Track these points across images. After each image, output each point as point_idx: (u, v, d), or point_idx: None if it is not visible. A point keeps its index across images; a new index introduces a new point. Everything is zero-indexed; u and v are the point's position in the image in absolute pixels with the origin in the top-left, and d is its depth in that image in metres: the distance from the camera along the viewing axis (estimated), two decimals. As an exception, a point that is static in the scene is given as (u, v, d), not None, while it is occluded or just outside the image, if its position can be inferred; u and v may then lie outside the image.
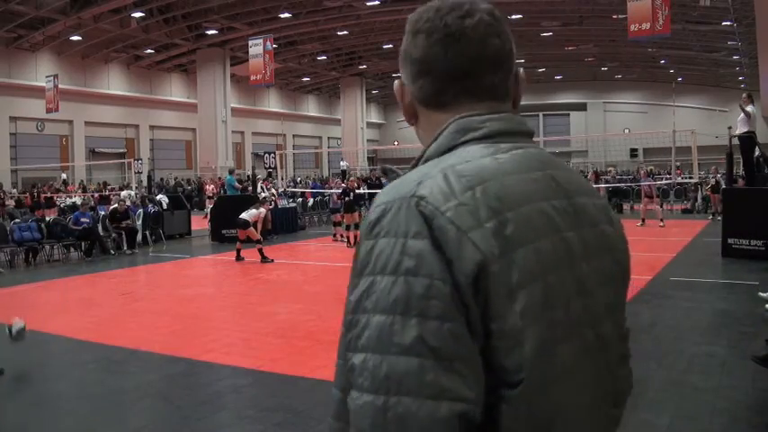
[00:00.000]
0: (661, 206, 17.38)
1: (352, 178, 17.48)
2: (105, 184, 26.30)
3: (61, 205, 20.57)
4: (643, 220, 16.40)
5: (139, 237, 14.29)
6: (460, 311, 0.74)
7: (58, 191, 25.42)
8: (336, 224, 14.94)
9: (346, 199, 13.86)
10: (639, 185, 19.81)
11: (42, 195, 22.42)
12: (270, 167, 21.30)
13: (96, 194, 22.82)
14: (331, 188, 21.21)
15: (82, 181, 29.59)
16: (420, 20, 0.91)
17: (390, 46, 34.79)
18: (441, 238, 0.75)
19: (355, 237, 13.59)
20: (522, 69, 0.97)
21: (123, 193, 18.10)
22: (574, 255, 0.83)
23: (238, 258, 11.63)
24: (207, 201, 25.55)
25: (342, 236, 14.48)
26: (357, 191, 14.88)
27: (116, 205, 14.63)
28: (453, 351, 0.72)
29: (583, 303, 0.84)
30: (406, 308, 0.73)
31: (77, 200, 18.97)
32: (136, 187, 22.37)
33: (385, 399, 0.72)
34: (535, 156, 0.88)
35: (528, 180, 0.83)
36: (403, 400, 0.71)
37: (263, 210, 12.57)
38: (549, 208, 0.83)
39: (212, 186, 26.89)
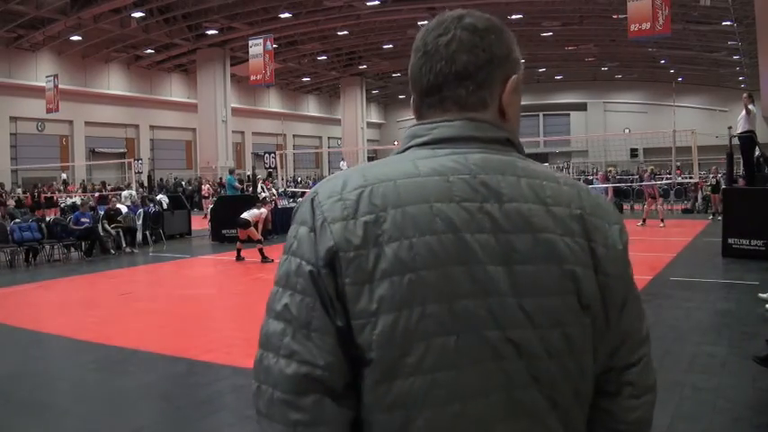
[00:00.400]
0: (661, 206, 17.40)
1: None
2: (105, 183, 26.31)
3: (62, 205, 20.58)
4: (644, 221, 16.41)
5: (139, 236, 14.30)
6: (316, 289, 0.86)
7: (58, 191, 25.43)
8: None
9: None
10: (641, 186, 19.84)
11: (42, 195, 22.43)
12: (270, 167, 21.31)
13: (96, 194, 22.79)
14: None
15: (83, 181, 29.59)
16: (417, 38, 1.00)
17: (390, 46, 34.80)
18: (316, 226, 0.88)
19: None
20: (515, 76, 0.98)
21: (125, 193, 18.10)
22: (473, 256, 0.85)
23: (239, 258, 11.63)
24: (204, 201, 25.59)
25: None
26: None
27: (118, 205, 14.65)
28: (308, 322, 0.86)
29: (486, 305, 0.85)
30: (284, 281, 0.89)
31: (77, 200, 18.96)
32: (135, 187, 22.36)
33: (261, 352, 0.90)
34: (471, 160, 0.91)
35: (433, 182, 0.88)
36: (268, 355, 0.88)
37: (264, 210, 12.58)
38: (451, 209, 0.86)
39: (207, 187, 26.90)
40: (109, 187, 24.57)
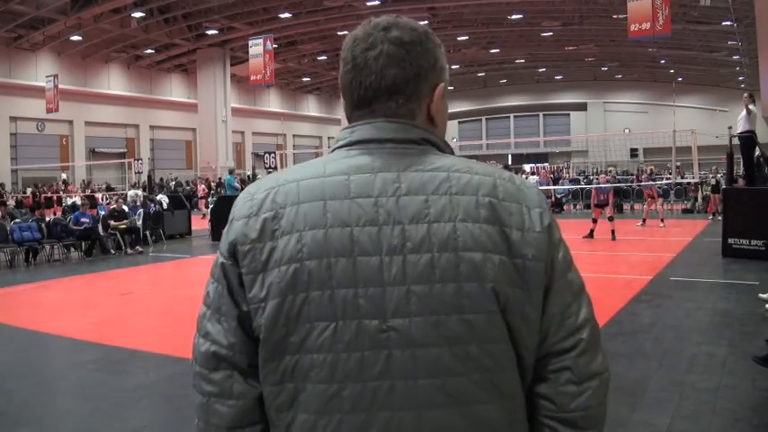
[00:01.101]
0: (662, 206, 17.38)
1: None
2: (109, 186, 26.32)
3: (63, 206, 20.57)
4: (644, 221, 16.41)
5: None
6: (225, 278, 0.98)
7: (61, 191, 25.41)
8: None
9: None
10: (640, 185, 19.82)
11: (42, 195, 22.40)
12: (270, 167, 21.32)
13: (84, 194, 22.41)
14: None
15: (83, 181, 29.60)
16: (344, 48, 1.05)
17: (390, 46, 34.79)
18: (228, 223, 1.01)
19: None
20: (441, 84, 1.04)
21: (131, 193, 18.09)
22: (359, 248, 0.91)
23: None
24: (200, 201, 25.56)
25: None
26: None
27: (115, 205, 14.65)
28: (219, 306, 0.98)
29: (368, 294, 0.89)
30: (211, 272, 1.02)
31: (77, 200, 18.94)
32: (134, 187, 22.35)
33: (196, 332, 1.02)
34: (377, 159, 0.97)
35: (332, 181, 0.95)
36: (196, 334, 1.02)
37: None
38: (344, 205, 0.93)
39: (203, 187, 26.85)
40: (110, 191, 24.55)
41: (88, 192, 22.67)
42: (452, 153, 1.04)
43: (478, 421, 0.90)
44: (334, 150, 1.03)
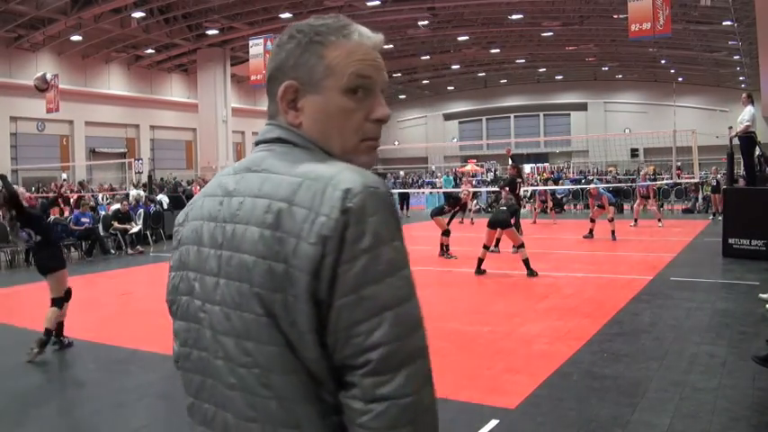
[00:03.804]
0: (661, 207, 17.37)
1: None
2: (112, 187, 26.31)
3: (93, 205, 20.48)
4: (635, 221, 16.42)
5: (139, 236, 14.30)
6: None
7: (77, 191, 25.34)
8: None
9: None
10: (631, 186, 19.82)
11: (66, 195, 22.10)
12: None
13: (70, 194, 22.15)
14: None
15: (82, 181, 29.59)
16: None
17: (391, 46, 34.78)
18: None
19: None
20: (286, 83, 1.06)
21: (133, 192, 18.10)
22: (200, 240, 1.05)
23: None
24: None
25: None
26: None
27: (118, 206, 14.64)
28: None
29: (200, 282, 1.04)
30: None
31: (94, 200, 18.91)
32: (134, 186, 22.33)
33: None
34: (249, 159, 1.07)
35: (220, 179, 1.08)
36: None
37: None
38: (208, 202, 1.06)
39: (198, 188, 26.88)
40: (111, 192, 24.50)
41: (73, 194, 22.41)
42: (325, 151, 1.03)
43: (263, 413, 0.96)
44: None
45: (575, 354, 5.28)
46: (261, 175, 1.01)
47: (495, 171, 35.62)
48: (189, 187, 29.46)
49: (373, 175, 0.99)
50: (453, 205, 12.49)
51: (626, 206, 21.55)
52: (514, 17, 28.31)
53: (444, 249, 11.46)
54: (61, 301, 5.87)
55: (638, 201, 17.20)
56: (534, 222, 18.22)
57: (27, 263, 12.07)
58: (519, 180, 13.57)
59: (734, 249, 10.36)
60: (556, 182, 26.45)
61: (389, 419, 0.90)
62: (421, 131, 49.69)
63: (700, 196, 20.89)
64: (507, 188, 12.24)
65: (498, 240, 11.33)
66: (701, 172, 20.58)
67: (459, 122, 49.57)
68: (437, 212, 11.88)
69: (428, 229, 18.55)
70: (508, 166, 16.02)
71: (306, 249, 0.92)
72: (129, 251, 13.53)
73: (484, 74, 44.26)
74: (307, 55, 1.05)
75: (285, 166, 0.99)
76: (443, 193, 25.86)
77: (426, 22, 28.77)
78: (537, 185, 23.44)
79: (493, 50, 35.64)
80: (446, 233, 11.42)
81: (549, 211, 19.88)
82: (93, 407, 4.50)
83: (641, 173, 22.22)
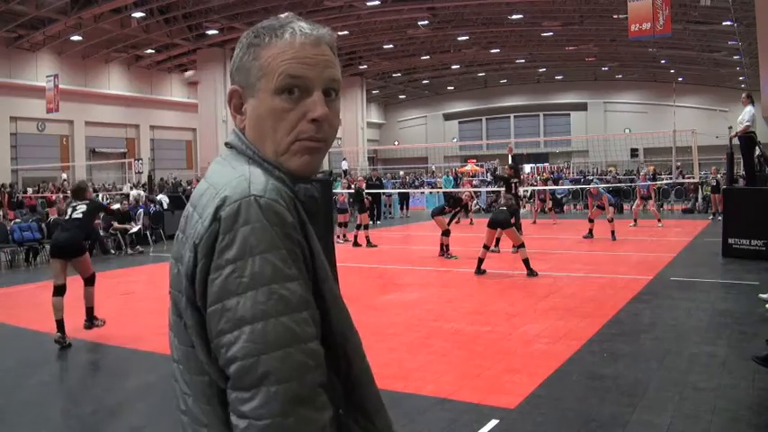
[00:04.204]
0: (661, 207, 17.36)
1: (360, 177, 17.55)
2: (114, 186, 26.29)
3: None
4: (635, 221, 16.42)
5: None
6: None
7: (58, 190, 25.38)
8: (342, 224, 14.85)
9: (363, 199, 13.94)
10: (632, 186, 19.81)
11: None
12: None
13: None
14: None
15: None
16: None
17: (391, 46, 34.78)
18: None
19: (367, 237, 13.59)
20: (228, 91, 1.10)
21: (133, 192, 18.11)
22: (178, 241, 1.05)
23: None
24: None
25: (343, 236, 14.49)
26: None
27: (118, 206, 14.64)
28: None
29: (174, 266, 1.04)
30: None
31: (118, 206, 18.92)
32: (132, 187, 22.34)
33: None
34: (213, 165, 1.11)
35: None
36: None
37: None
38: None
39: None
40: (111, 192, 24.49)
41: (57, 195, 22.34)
42: (255, 155, 1.04)
43: (186, 408, 1.04)
44: None
45: (575, 354, 5.29)
46: (201, 182, 1.05)
47: (494, 170, 35.56)
48: (189, 187, 29.51)
49: (272, 183, 0.97)
50: (453, 206, 12.49)
51: (626, 206, 21.57)
52: (514, 17, 28.31)
53: (444, 249, 11.46)
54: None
55: (637, 201, 17.21)
56: (534, 222, 18.23)
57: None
58: (514, 180, 13.55)
59: (734, 249, 10.36)
60: (556, 182, 26.46)
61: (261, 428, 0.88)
62: (421, 131, 49.70)
63: (699, 196, 20.90)
64: (502, 181, 12.32)
65: (498, 240, 11.34)
66: (701, 172, 20.58)
67: (459, 122, 49.57)
68: (438, 212, 11.90)
69: (428, 229, 18.58)
70: (506, 167, 16.03)
71: (186, 254, 0.97)
72: (129, 251, 13.53)
73: (483, 74, 44.27)
74: (246, 58, 1.05)
75: (215, 172, 1.04)
76: (443, 193, 25.90)
77: (426, 22, 28.76)
78: (536, 185, 23.44)
79: (493, 50, 35.63)
80: (446, 233, 11.43)
81: (547, 210, 19.89)
82: (92, 407, 4.50)
83: (641, 173, 22.21)
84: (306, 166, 1.03)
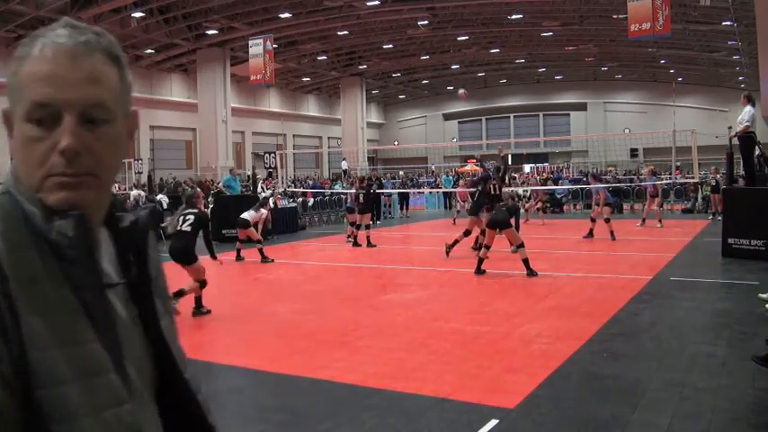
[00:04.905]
0: (661, 206, 17.35)
1: (359, 177, 17.48)
2: (118, 185, 26.23)
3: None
4: (643, 220, 16.38)
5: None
6: None
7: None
8: (353, 224, 14.50)
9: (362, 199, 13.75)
10: (641, 185, 19.77)
11: None
12: (270, 167, 21.32)
13: None
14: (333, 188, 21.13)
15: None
16: None
17: (390, 46, 34.79)
18: None
19: (368, 237, 13.49)
20: None
21: (133, 193, 18.11)
22: None
23: (238, 258, 11.63)
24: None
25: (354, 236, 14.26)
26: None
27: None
28: None
29: None
30: None
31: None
32: (133, 187, 22.35)
33: None
34: None
35: None
36: None
37: (264, 210, 12.63)
38: None
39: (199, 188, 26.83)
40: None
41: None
42: (9, 187, 0.95)
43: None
44: None
45: (574, 354, 5.28)
46: None
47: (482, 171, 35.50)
48: (185, 187, 29.52)
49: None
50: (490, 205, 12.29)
51: (626, 206, 21.57)
52: (514, 17, 28.33)
53: (451, 246, 11.45)
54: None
55: (648, 201, 16.92)
56: (526, 221, 18.16)
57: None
58: (492, 182, 12.79)
59: (733, 249, 10.36)
60: (555, 182, 26.46)
61: None
62: (421, 131, 49.72)
63: (699, 196, 20.89)
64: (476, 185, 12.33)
65: (477, 238, 11.42)
66: (701, 172, 20.56)
67: (459, 122, 49.59)
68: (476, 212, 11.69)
69: (428, 229, 18.61)
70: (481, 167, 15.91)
71: None
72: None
73: (483, 74, 44.29)
74: (10, 74, 0.87)
75: None
76: (443, 193, 25.89)
77: (426, 22, 28.76)
78: (536, 185, 23.44)
79: (493, 50, 35.65)
80: (467, 233, 11.53)
81: (538, 211, 19.89)
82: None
83: (644, 172, 22.18)
84: (64, 203, 0.83)
